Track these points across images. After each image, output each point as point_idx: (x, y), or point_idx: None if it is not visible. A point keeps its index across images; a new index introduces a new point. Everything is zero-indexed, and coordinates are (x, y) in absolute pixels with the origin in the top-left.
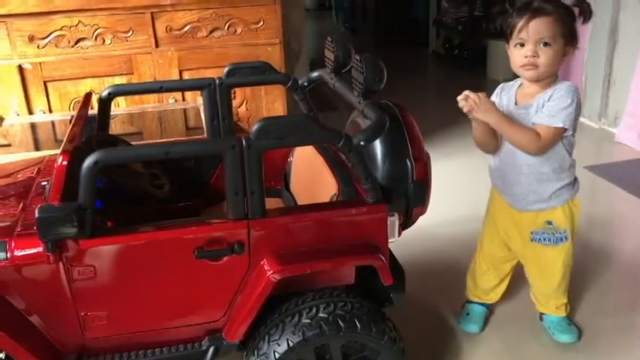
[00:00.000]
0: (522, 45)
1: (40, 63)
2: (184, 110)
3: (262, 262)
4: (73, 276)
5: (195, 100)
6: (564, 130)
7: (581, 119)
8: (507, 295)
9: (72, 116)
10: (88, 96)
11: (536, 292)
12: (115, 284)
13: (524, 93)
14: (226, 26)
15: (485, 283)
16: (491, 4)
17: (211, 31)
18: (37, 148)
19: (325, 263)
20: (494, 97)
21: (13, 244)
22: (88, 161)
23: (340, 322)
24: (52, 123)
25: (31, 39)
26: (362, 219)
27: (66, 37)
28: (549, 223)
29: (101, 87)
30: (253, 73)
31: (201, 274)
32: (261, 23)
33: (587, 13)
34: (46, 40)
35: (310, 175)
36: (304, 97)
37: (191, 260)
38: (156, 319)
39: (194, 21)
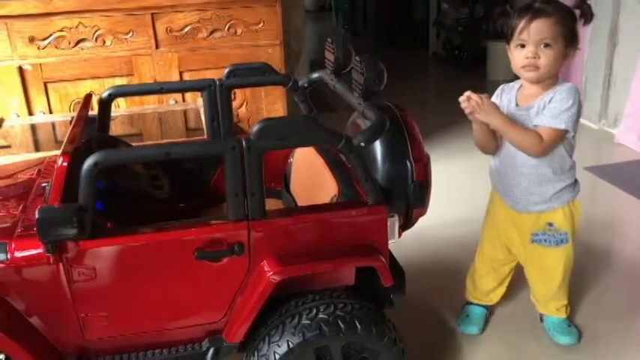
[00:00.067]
0: (523, 46)
1: (40, 64)
2: (184, 111)
3: (262, 263)
4: (73, 277)
5: (196, 101)
6: (566, 131)
7: (581, 120)
8: (507, 296)
9: (72, 117)
10: (88, 97)
11: (536, 293)
12: (115, 285)
13: (525, 94)
14: (226, 27)
15: (485, 285)
16: (491, 6)
17: (211, 32)
18: (38, 149)
19: (325, 264)
20: (494, 99)
21: (13, 246)
22: (88, 162)
23: (340, 323)
24: (53, 124)
25: (32, 40)
26: (362, 220)
27: (66, 38)
28: (550, 224)
29: (101, 88)
30: (253, 74)
31: (201, 275)
32: (262, 24)
33: (588, 15)
34: (47, 42)
35: (310, 176)
36: (304, 98)
37: (191, 261)
38: (156, 320)
39: (194, 22)
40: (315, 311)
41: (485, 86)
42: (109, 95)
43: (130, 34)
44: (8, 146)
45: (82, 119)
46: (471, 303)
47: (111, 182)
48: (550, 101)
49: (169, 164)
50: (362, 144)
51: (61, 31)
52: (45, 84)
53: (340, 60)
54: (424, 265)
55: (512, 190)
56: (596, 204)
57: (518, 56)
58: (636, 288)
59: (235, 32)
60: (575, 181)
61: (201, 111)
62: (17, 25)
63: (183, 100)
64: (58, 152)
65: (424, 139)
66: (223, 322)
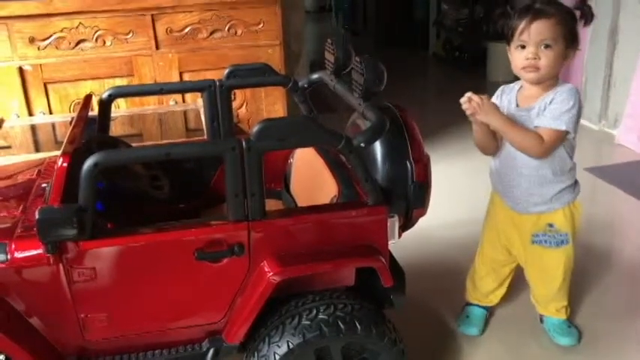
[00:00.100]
0: (523, 47)
1: (40, 65)
2: (184, 112)
3: (262, 264)
4: (73, 277)
5: (196, 102)
6: (567, 133)
7: (581, 121)
8: (507, 297)
9: (72, 118)
10: (88, 98)
11: (536, 294)
12: (115, 286)
13: (525, 95)
14: (227, 28)
15: (485, 287)
16: (491, 6)
17: (212, 33)
18: (38, 149)
19: (325, 265)
20: (494, 99)
21: (13, 246)
22: (88, 163)
23: (340, 323)
24: (53, 125)
25: (32, 41)
26: (362, 221)
27: (66, 38)
28: (550, 225)
29: (101, 89)
30: (253, 75)
31: (201, 275)
32: (262, 25)
33: (588, 16)
34: (47, 42)
35: (310, 176)
36: (304, 98)
37: (191, 262)
38: (156, 320)
39: (194, 23)
40: (315, 312)
41: (485, 87)
42: (109, 96)
43: (130, 35)
44: (8, 147)
45: (82, 120)
46: (471, 304)
47: (111, 183)
48: (551, 102)
49: (169, 165)
50: (362, 144)
51: (61, 31)
52: (45, 84)
53: (340, 60)
54: (424, 266)
55: (512, 191)
56: (596, 205)
57: (518, 57)
58: (636, 289)
59: (235, 33)
60: (576, 182)
61: (201, 111)
62: (17, 25)
63: (184, 101)
64: (58, 153)
65: (424, 140)
66: (223, 322)
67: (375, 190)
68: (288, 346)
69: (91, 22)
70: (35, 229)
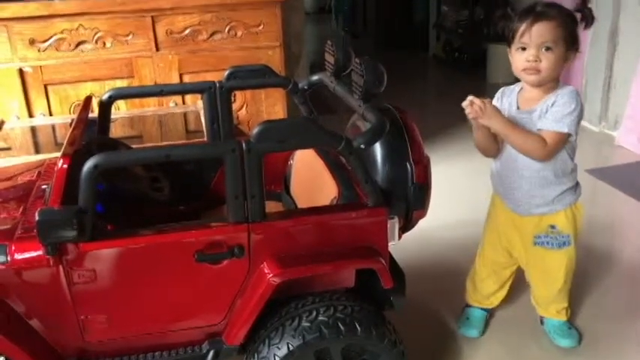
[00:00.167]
0: (524, 49)
1: (40, 66)
2: (184, 114)
3: (262, 266)
4: (73, 279)
5: (196, 104)
6: (569, 135)
7: (582, 122)
8: (508, 299)
9: (72, 120)
10: (88, 99)
11: (537, 296)
12: (115, 287)
13: (526, 97)
14: (227, 29)
15: (486, 289)
16: (491, 8)
17: (212, 35)
18: (38, 151)
19: (325, 266)
20: (495, 102)
21: (13, 248)
22: (88, 165)
23: (340, 325)
24: (53, 126)
25: (32, 42)
26: (362, 222)
27: (66, 40)
28: (552, 227)
29: (101, 90)
30: (253, 77)
31: (201, 277)
32: (262, 26)
33: (589, 19)
34: (47, 44)
35: (310, 178)
36: (304, 100)
37: (191, 264)
38: (156, 322)
39: (194, 24)
40: (315, 313)
41: (485, 89)
42: (109, 97)
43: (130, 37)
44: (8, 148)
45: (82, 121)
46: (471, 306)
47: (111, 184)
48: (552, 105)
49: (169, 166)
50: (362, 146)
51: (62, 33)
52: (45, 86)
53: (340, 62)
54: (424, 267)
55: (513, 193)
56: (597, 206)
57: (519, 59)
58: (636, 290)
59: (235, 34)
60: (577, 184)
61: (201, 113)
62: (17, 27)
63: (184, 103)
64: (58, 154)
65: (424, 141)
66: (223, 324)
67: (375, 191)
68: (288, 347)
69: (91, 23)
70: (35, 230)
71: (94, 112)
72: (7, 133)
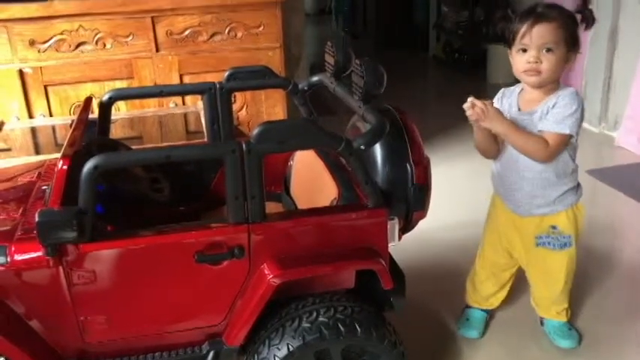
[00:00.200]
0: (525, 50)
1: (40, 67)
2: (185, 114)
3: (262, 267)
4: (72, 280)
5: (196, 105)
6: (571, 136)
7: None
8: (508, 300)
9: (72, 120)
10: (88, 100)
11: (538, 297)
12: (115, 288)
13: (527, 99)
14: (227, 30)
15: (485, 290)
16: (491, 9)
17: (212, 36)
18: (38, 152)
19: (325, 267)
20: (495, 103)
21: (13, 249)
22: (88, 165)
23: (340, 326)
24: (53, 127)
25: (32, 43)
26: (362, 223)
27: (66, 41)
28: (554, 227)
29: (101, 91)
30: (254, 78)
31: (201, 278)
32: (262, 28)
33: (589, 20)
34: (47, 45)
35: (310, 179)
36: (304, 101)
37: (191, 264)
38: (156, 323)
39: (194, 25)
40: (315, 314)
41: (485, 89)
42: (109, 98)
43: (131, 37)
44: (8, 149)
45: (82, 122)
46: (471, 307)
47: (111, 185)
48: (554, 106)
49: (169, 167)
50: (362, 147)
51: (62, 34)
52: (45, 87)
53: (340, 63)
54: (424, 268)
55: (514, 194)
56: (597, 207)
57: (519, 61)
58: (637, 291)
59: (235, 35)
60: (578, 185)
61: (202, 114)
62: (17, 28)
63: (184, 103)
64: (58, 155)
65: (424, 142)
66: (223, 325)
67: (375, 192)
68: (288, 348)
69: (91, 24)
70: (35, 231)
71: (94, 113)
72: (7, 133)
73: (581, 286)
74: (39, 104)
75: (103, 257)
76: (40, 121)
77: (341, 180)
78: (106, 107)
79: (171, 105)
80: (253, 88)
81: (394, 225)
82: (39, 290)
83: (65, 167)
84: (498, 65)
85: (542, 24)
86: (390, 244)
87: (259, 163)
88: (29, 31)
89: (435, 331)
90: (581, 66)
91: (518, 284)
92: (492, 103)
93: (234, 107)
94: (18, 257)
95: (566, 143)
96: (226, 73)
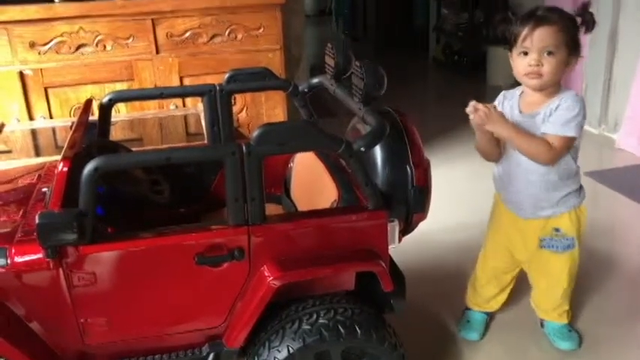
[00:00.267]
0: (526, 54)
1: (40, 69)
2: (185, 116)
3: (262, 268)
4: (73, 282)
5: (196, 107)
6: (574, 139)
7: None
8: (508, 301)
9: (72, 122)
10: (88, 102)
11: (539, 298)
12: (115, 290)
13: (528, 101)
14: (227, 32)
15: (486, 293)
16: (491, 11)
17: (212, 37)
18: (38, 154)
19: (325, 269)
20: (496, 106)
21: (13, 251)
22: (89, 167)
23: (340, 328)
24: (53, 129)
25: (32, 45)
26: (362, 225)
27: (67, 43)
28: (557, 229)
29: (102, 93)
30: (254, 79)
31: (201, 280)
32: (262, 29)
33: (590, 23)
34: (47, 47)
35: (310, 181)
36: (304, 103)
37: (191, 266)
38: (156, 325)
39: (195, 27)
40: (315, 316)
41: (485, 91)
42: (110, 100)
43: (131, 39)
44: (9, 151)
45: (83, 124)
46: (472, 309)
47: (111, 187)
48: (556, 109)
49: (170, 169)
50: (362, 149)
51: (62, 36)
52: (45, 89)
53: (340, 65)
54: (424, 270)
55: (518, 197)
56: (597, 209)
57: (521, 64)
58: (637, 293)
59: (235, 37)
60: (581, 187)
61: (202, 116)
62: (18, 30)
63: (184, 105)
64: (59, 157)
65: (424, 144)
66: (223, 327)
67: (375, 194)
68: (289, 350)
69: (92, 26)
70: (35, 233)
71: (95, 115)
72: (8, 135)
73: (581, 288)
74: (39, 106)
75: (104, 259)
76: (41, 123)
77: (341, 182)
78: (106, 109)
79: (172, 107)
80: (253, 90)
81: (394, 227)
82: (39, 292)
83: (65, 169)
84: (498, 67)
85: (543, 27)
86: (390, 246)
87: (259, 165)
88: (29, 33)
89: (435, 333)
90: (581, 68)
91: (519, 286)
92: (495, 106)
93: (235, 109)
94: (18, 259)
95: (570, 146)
96: (226, 75)
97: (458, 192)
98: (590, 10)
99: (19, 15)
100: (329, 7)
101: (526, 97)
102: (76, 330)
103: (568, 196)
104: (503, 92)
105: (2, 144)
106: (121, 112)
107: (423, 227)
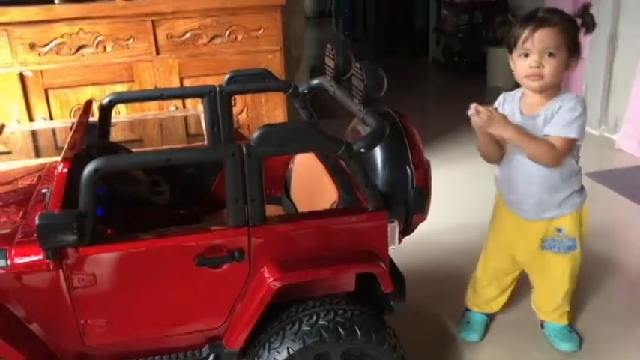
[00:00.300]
0: (527, 55)
1: (41, 70)
2: (185, 117)
3: (262, 270)
4: (73, 283)
5: (196, 108)
6: (576, 140)
7: None
8: (508, 303)
9: (72, 124)
10: (88, 103)
11: (540, 300)
12: (115, 291)
13: (529, 103)
14: (227, 33)
15: (487, 294)
16: (491, 12)
17: (212, 39)
18: (38, 155)
19: (325, 270)
20: (498, 108)
21: (13, 252)
22: (89, 169)
23: (340, 329)
24: (53, 130)
25: (32, 47)
26: (362, 226)
27: (67, 44)
28: (559, 230)
29: (102, 94)
30: (254, 81)
31: (201, 281)
32: (262, 31)
33: (590, 25)
34: (47, 48)
35: (311, 182)
36: (304, 104)
37: (191, 267)
38: (156, 326)
39: (195, 28)
40: (315, 317)
41: (485, 92)
42: (110, 101)
43: (131, 41)
44: (9, 152)
45: (83, 125)
46: (472, 310)
47: (111, 188)
48: (558, 110)
49: (170, 170)
50: (362, 150)
51: (62, 37)
52: (46, 90)
53: (340, 66)
54: (424, 271)
55: (519, 199)
56: (597, 210)
57: (521, 65)
58: (637, 294)
59: (235, 38)
60: (582, 188)
61: (202, 117)
62: (18, 31)
63: (184, 107)
64: (59, 159)
65: (424, 146)
66: (223, 328)
67: (375, 195)
68: (289, 351)
69: (92, 27)
70: (35, 234)
71: (95, 116)
72: (8, 137)
73: (581, 289)
74: (39, 107)
75: (104, 260)
76: (41, 124)
77: (341, 183)
78: (106, 110)
79: (172, 108)
80: (253, 91)
81: (394, 228)
82: (39, 293)
83: (65, 170)
84: (498, 68)
85: (543, 29)
86: (390, 247)
87: (259, 166)
88: (30, 35)
89: (435, 334)
90: (582, 69)
91: (519, 287)
92: (496, 108)
93: (235, 110)
94: (18, 260)
95: (573, 147)
96: (226, 76)
97: (458, 193)
98: (591, 11)
99: (20, 16)
100: (329, 8)
101: (526, 98)
102: (76, 331)
103: (571, 196)
104: (503, 94)
105: (2, 145)
106: (121, 114)
107: (422, 228)
